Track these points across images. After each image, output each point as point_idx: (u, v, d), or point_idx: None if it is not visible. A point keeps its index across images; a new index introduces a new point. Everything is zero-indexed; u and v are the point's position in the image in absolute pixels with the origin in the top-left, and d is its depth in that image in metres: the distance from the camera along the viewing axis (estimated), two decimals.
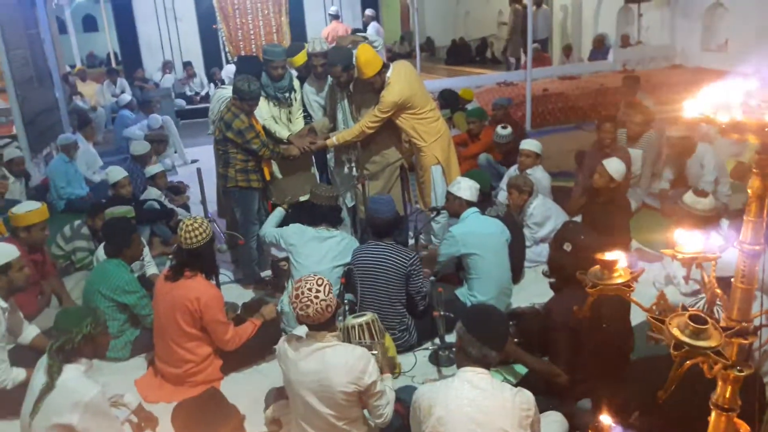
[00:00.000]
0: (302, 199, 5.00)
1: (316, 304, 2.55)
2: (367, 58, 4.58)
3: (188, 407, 2.09)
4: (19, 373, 3.32)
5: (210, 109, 5.36)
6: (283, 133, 4.90)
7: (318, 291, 2.57)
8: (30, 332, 3.70)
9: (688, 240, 1.75)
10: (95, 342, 2.72)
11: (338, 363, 2.57)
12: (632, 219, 4.91)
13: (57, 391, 2.55)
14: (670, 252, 1.67)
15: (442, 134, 4.87)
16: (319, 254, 4.01)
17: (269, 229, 4.32)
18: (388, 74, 4.64)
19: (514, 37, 13.40)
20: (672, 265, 4.11)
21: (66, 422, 2.51)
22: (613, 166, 4.61)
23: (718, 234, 3.95)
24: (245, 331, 3.68)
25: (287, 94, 5.01)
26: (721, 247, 1.88)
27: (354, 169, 4.87)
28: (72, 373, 2.61)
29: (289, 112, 5.08)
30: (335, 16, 11.06)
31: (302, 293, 2.57)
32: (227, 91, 4.82)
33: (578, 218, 5.07)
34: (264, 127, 4.78)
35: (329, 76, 4.93)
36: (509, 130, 6.27)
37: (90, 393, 2.57)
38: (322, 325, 2.63)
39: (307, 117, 5.19)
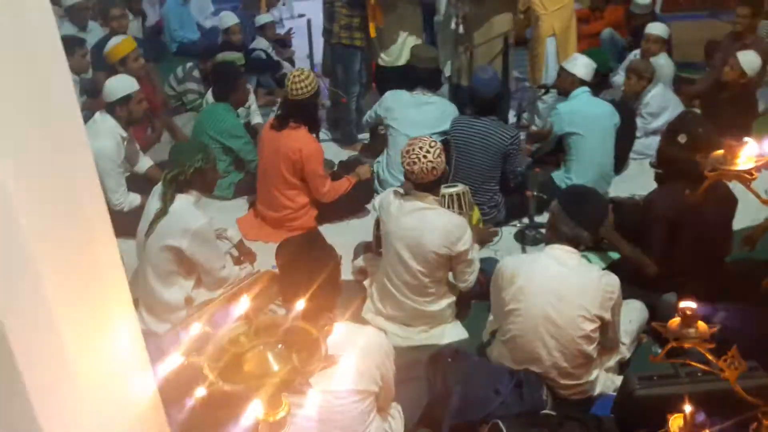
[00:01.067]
0: (402, 63, 4.90)
1: (424, 163, 2.64)
2: None
3: (292, 243, 2.23)
4: (134, 198, 3.62)
5: None
6: None
7: (428, 152, 2.65)
8: (145, 162, 3.98)
9: None
10: (205, 176, 2.89)
11: (437, 226, 2.67)
12: (756, 121, 4.53)
13: (169, 216, 2.76)
14: None
15: (566, 4, 4.56)
16: (415, 120, 3.97)
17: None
18: None
19: None
20: None
21: (176, 245, 2.75)
22: (748, 58, 4.21)
23: None
24: (341, 186, 3.81)
25: None
26: None
27: (461, 27, 4.62)
28: (183, 202, 2.81)
29: None
30: None
31: (413, 150, 2.67)
32: None
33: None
34: None
35: None
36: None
37: (198, 222, 2.77)
38: (426, 185, 2.72)
39: None
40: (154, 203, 2.84)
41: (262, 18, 6.18)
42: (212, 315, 2.68)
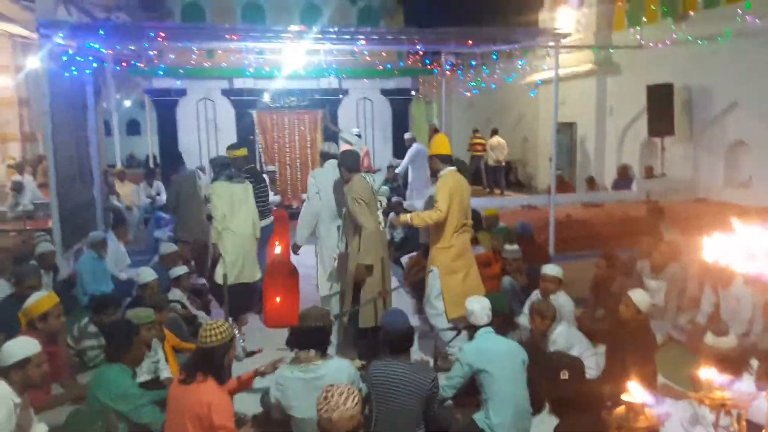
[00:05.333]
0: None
1: (343, 410, 2.54)
2: (441, 140, 5.55)
3: None
4: None
5: None
6: None
7: (347, 399, 2.58)
8: (38, 430, 3.62)
9: (716, 382, 1.72)
10: None
11: None
12: (658, 352, 4.78)
13: None
14: (698, 395, 1.64)
15: (452, 246, 5.11)
16: (312, 399, 3.41)
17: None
18: (444, 171, 5.26)
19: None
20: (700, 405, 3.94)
21: None
22: (639, 297, 4.55)
23: (749, 374, 3.83)
24: None
25: None
26: (752, 394, 1.83)
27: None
28: None
29: None
30: (357, 136, 11.64)
31: (331, 396, 2.58)
32: None
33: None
34: None
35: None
36: (516, 246, 6.40)
37: None
38: None
39: None
40: None
41: (177, 270, 6.25)
42: None
